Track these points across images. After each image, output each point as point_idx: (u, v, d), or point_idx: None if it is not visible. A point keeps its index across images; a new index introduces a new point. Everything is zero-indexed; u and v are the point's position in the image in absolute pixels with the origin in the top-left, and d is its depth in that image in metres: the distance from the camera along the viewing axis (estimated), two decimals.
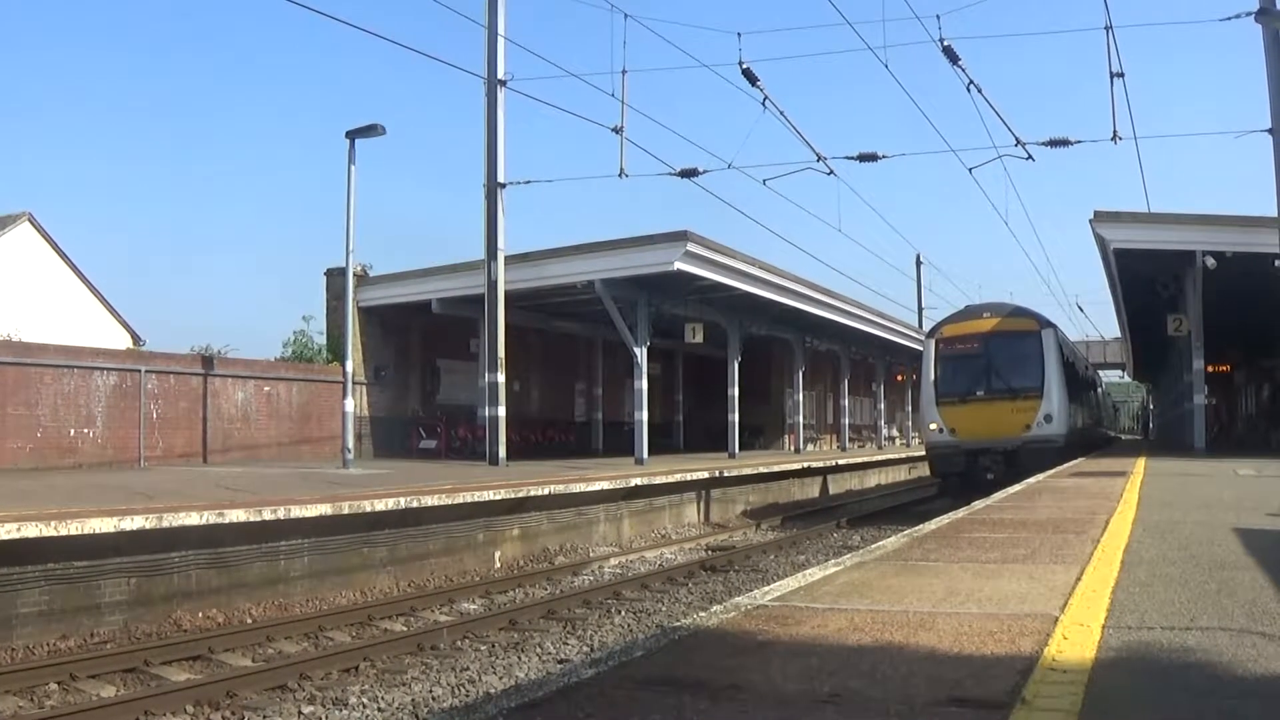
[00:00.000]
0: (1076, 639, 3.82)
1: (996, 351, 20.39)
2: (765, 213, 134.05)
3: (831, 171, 19.57)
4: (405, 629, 9.44)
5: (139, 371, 18.84)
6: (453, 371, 26.95)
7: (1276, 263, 17.52)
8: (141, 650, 8.00)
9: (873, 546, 7.14)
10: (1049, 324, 20.91)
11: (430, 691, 7.31)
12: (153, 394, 18.98)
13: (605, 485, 15.62)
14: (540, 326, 27.33)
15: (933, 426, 20.70)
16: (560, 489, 14.47)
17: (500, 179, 20.25)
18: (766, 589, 5.32)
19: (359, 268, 22.90)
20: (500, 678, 7.70)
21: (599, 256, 21.35)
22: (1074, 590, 4.89)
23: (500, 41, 19.81)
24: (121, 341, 32.99)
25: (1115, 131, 18.06)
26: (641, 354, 22.21)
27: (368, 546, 11.41)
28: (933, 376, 20.88)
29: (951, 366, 20.84)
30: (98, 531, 8.52)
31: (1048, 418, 19.57)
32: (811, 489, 24.97)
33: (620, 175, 19.67)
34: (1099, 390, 43.20)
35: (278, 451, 21.42)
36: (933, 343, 21.45)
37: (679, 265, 20.13)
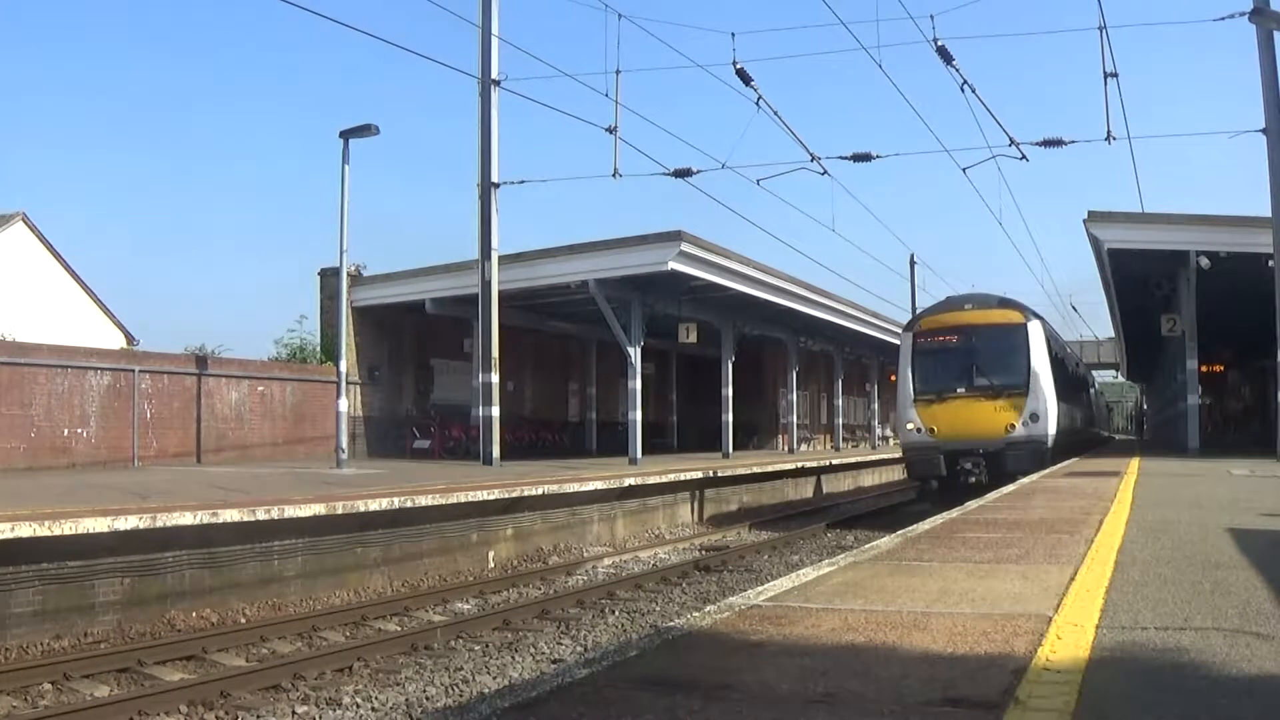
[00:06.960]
0: (1070, 639, 3.82)
1: (978, 345, 18.67)
2: (759, 213, 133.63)
3: (825, 171, 19.62)
4: (399, 629, 9.43)
5: (133, 371, 18.79)
6: (446, 371, 26.91)
7: (1270, 263, 17.55)
8: (135, 650, 7.99)
9: (866, 546, 7.14)
10: (1036, 316, 19.24)
11: (424, 691, 7.30)
12: (146, 394, 18.93)
13: (599, 485, 15.61)
14: (534, 326, 27.30)
15: (910, 426, 19.01)
16: (554, 489, 14.46)
17: (494, 179, 20.24)
18: (760, 589, 5.32)
19: (353, 267, 22.83)
20: (494, 678, 7.69)
21: (593, 256, 21.34)
22: (1068, 590, 4.89)
23: (494, 41, 19.79)
24: (115, 341, 32.90)
25: (1109, 131, 18.16)
26: (635, 354, 22.22)
27: (361, 546, 11.39)
28: (910, 372, 19.17)
29: (930, 361, 19.11)
30: (91, 531, 8.50)
31: (1033, 417, 18.08)
32: (805, 489, 24.99)
33: (614, 175, 19.74)
34: (1092, 389, 42.92)
35: (271, 452, 21.38)
36: (910, 336, 19.68)
37: (673, 265, 20.14)
